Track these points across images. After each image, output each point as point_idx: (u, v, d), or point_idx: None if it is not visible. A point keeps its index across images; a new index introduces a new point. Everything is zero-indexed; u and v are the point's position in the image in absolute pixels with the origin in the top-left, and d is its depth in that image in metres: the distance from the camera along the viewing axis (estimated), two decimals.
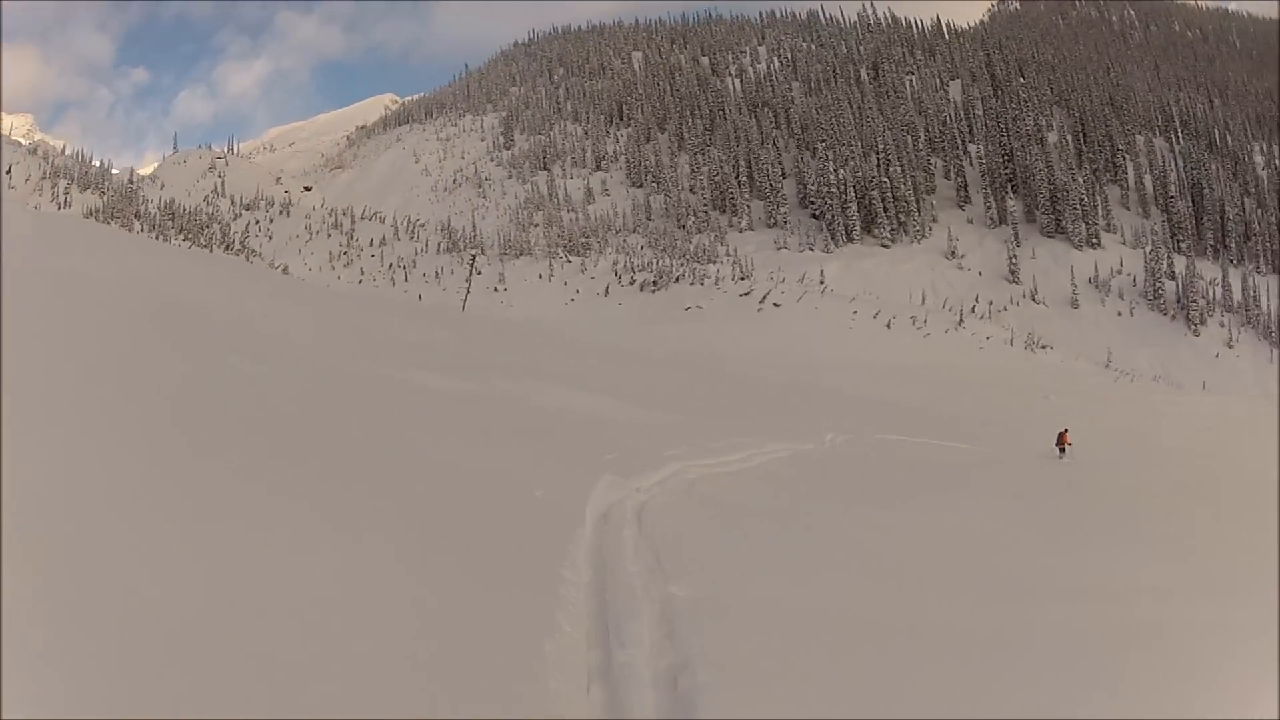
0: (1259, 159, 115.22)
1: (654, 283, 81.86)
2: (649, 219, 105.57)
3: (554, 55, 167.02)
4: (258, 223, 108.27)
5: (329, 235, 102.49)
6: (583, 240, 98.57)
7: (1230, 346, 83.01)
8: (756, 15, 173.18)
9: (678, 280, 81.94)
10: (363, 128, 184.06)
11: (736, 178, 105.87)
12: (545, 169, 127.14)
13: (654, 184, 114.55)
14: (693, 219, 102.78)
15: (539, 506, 8.42)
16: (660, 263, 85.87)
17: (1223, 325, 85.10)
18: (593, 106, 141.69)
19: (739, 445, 15.86)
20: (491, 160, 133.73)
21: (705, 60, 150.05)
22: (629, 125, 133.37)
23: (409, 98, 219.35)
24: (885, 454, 21.33)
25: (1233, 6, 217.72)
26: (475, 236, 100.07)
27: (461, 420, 14.02)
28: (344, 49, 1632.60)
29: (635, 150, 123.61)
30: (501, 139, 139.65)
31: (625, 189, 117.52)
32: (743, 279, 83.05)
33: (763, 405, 30.00)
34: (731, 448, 15.28)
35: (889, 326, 73.22)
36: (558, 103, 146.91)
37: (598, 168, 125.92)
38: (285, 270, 76.12)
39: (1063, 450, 27.81)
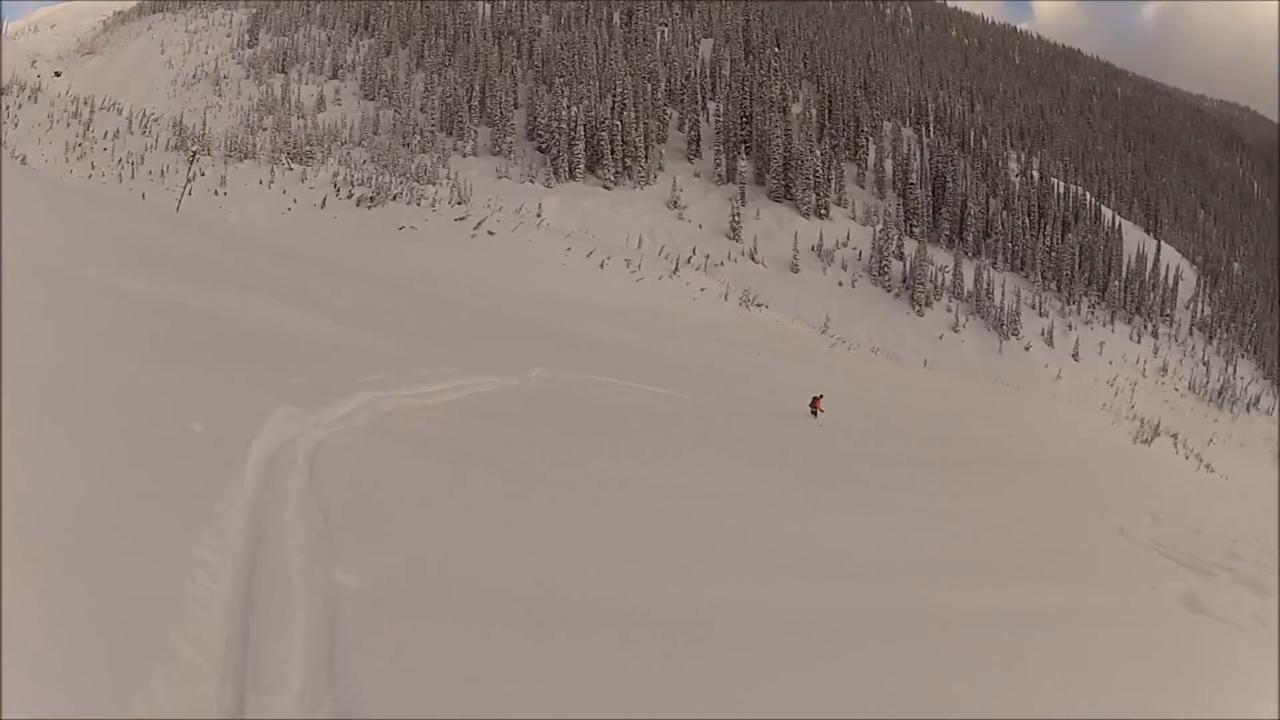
0: (1014, 165, 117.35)
1: (371, 199, 75.91)
2: (376, 133, 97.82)
3: None
4: (7, 108, 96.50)
5: (68, 125, 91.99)
6: (307, 149, 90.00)
7: (956, 331, 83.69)
8: None
9: (395, 198, 76.55)
10: (119, 13, 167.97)
11: (469, 101, 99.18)
12: (283, 72, 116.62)
13: (386, 98, 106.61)
14: (419, 138, 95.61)
15: (193, 445, 6.58)
16: (379, 179, 79.87)
17: (949, 310, 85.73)
18: (340, 13, 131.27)
19: (444, 375, 14.33)
20: (233, 58, 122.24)
21: None
22: (373, 36, 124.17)
23: None
24: (602, 397, 20.48)
25: (1022, 26, 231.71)
26: (204, 135, 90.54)
27: (149, 331, 11.27)
28: None
29: (374, 62, 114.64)
30: (247, 36, 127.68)
31: (358, 100, 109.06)
32: (460, 203, 77.80)
33: (472, 333, 28.60)
34: (436, 377, 13.89)
35: (602, 266, 69.64)
36: (308, 5, 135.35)
37: (334, 75, 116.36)
38: (24, 160, 65.98)
39: (815, 413, 28.97)
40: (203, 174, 77.52)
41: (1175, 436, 68.82)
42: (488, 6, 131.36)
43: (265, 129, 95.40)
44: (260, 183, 78.90)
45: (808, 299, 79.81)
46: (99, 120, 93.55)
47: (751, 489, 12.87)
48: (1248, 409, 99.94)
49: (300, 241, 54.95)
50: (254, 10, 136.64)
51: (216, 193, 76.51)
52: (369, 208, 74.94)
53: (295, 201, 75.01)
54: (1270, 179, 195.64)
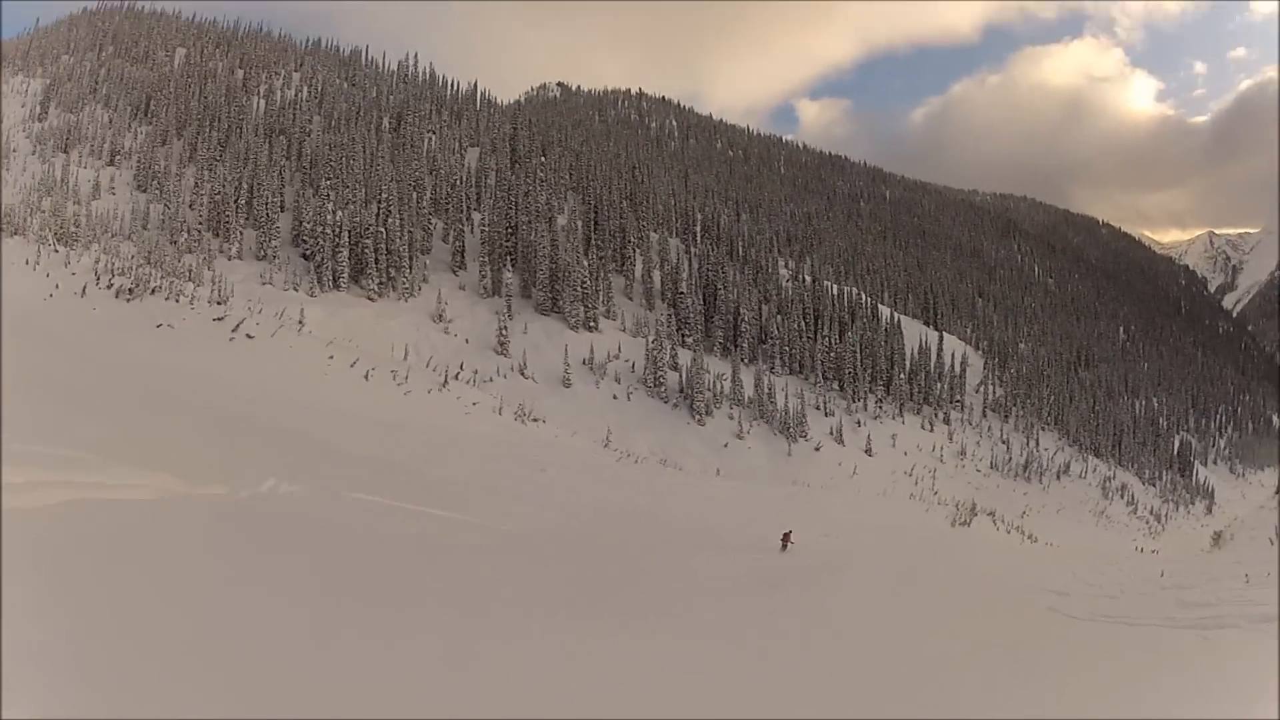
0: (784, 271, 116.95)
1: (130, 290, 68.32)
2: (145, 228, 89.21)
3: (110, 30, 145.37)
4: None
5: None
6: (74, 230, 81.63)
7: (740, 438, 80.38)
8: (303, 40, 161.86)
9: (154, 292, 69.51)
10: None
11: (236, 201, 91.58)
12: (65, 152, 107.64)
13: (158, 191, 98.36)
14: (185, 235, 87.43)
15: None
16: (139, 270, 72.46)
17: (731, 417, 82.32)
18: (125, 95, 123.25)
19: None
20: (23, 131, 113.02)
21: (240, 73, 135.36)
22: (151, 122, 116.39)
23: None
24: (361, 522, 17.33)
25: (789, 137, 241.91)
26: None
27: None
28: None
29: (149, 151, 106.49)
30: (39, 109, 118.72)
31: (130, 191, 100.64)
32: (219, 303, 71.02)
33: (208, 438, 24.65)
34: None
35: (367, 378, 63.48)
36: (96, 82, 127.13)
37: (111, 162, 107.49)
38: None
39: (785, 546, 29.79)
40: None
41: (993, 514, 69.46)
42: (262, 102, 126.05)
43: (43, 211, 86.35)
44: (26, 262, 70.77)
45: (583, 413, 74.79)
46: None
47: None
48: (1058, 477, 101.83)
49: (59, 334, 48.97)
50: (47, 82, 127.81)
51: None
52: (127, 300, 67.45)
53: (58, 287, 66.79)
54: (1050, 260, 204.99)
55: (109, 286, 68.51)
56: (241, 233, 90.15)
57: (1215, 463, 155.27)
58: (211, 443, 23.90)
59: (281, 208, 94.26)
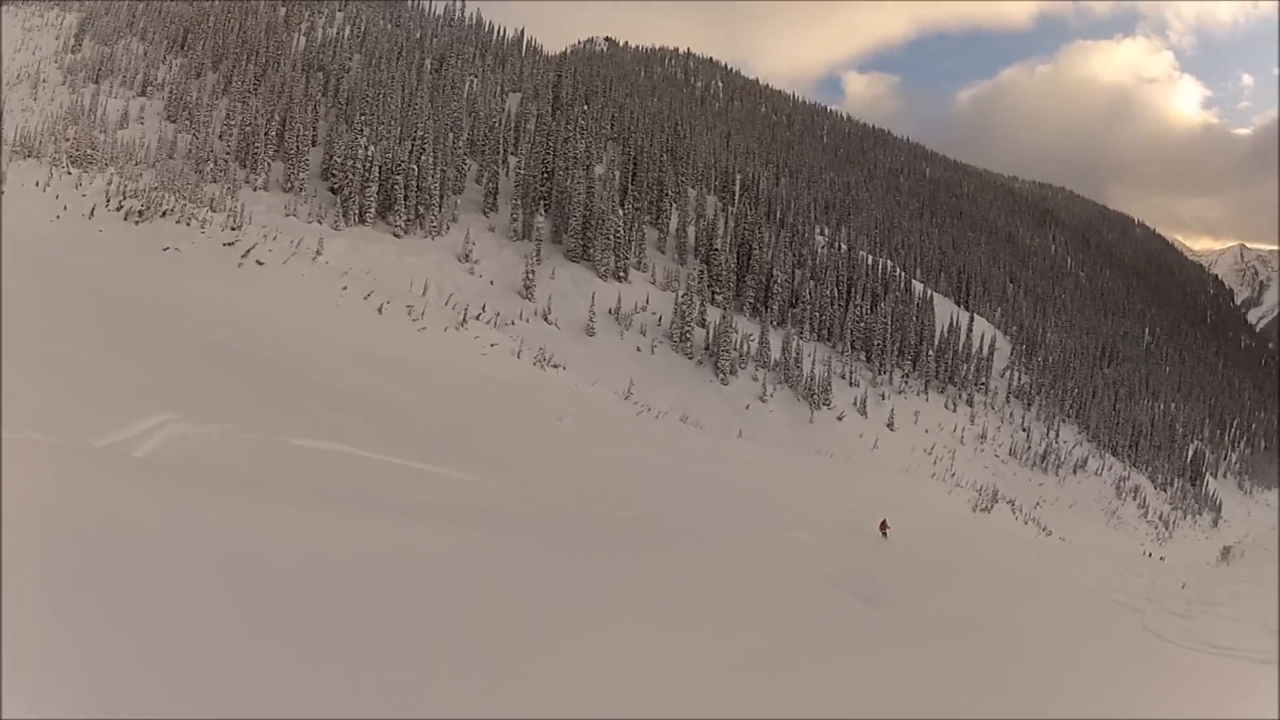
0: (820, 238, 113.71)
1: (140, 213, 65.29)
2: (171, 157, 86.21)
3: None
4: None
5: None
6: (89, 152, 78.17)
7: (764, 400, 77.94)
8: None
9: (164, 215, 66.00)
10: None
11: (266, 133, 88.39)
12: (96, 83, 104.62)
13: (189, 121, 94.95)
14: (212, 165, 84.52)
15: None
16: (151, 194, 68.74)
17: (756, 379, 79.87)
18: (161, 28, 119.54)
19: None
20: (55, 63, 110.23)
21: (283, 10, 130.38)
22: (187, 55, 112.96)
23: None
24: (338, 477, 14.25)
25: (834, 107, 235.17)
26: None
27: None
28: None
29: (183, 83, 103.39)
30: (72, 41, 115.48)
31: (160, 120, 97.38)
32: (233, 229, 67.42)
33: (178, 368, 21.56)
34: None
35: (381, 311, 60.38)
36: (134, 16, 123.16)
37: (143, 92, 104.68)
38: None
39: (884, 534, 29.51)
40: None
41: (1012, 503, 69.11)
42: (303, 39, 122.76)
43: (68, 139, 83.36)
44: (36, 184, 68.01)
45: (605, 363, 71.93)
46: None
47: None
48: (1074, 471, 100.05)
49: (62, 252, 46.48)
50: (83, 15, 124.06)
51: None
52: (136, 223, 64.58)
53: (66, 208, 64.22)
54: (1084, 253, 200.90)
55: (118, 209, 66.02)
56: (270, 164, 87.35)
57: (1225, 476, 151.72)
58: (177, 373, 21.16)
59: (314, 142, 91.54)
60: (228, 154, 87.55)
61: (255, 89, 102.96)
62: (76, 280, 34.67)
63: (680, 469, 38.46)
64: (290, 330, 46.77)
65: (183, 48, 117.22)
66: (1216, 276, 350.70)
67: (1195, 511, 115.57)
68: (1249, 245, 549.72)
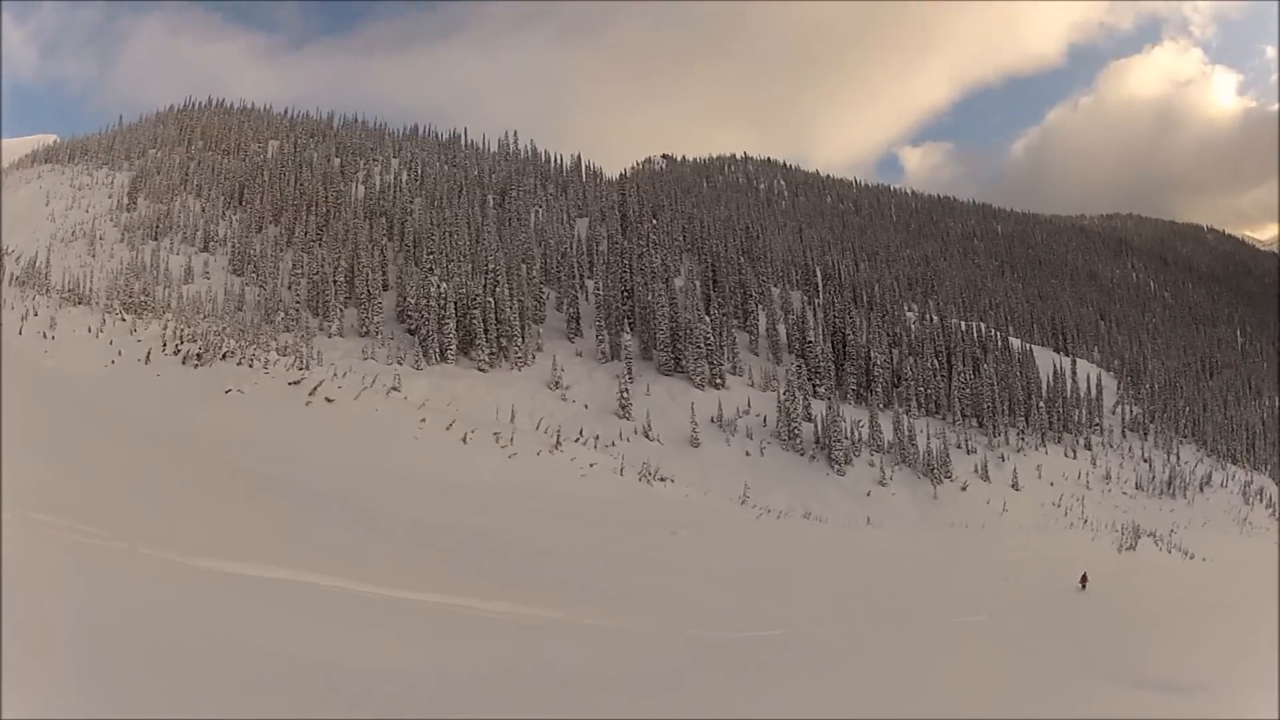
0: (910, 314, 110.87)
1: (199, 356, 62.65)
2: (240, 309, 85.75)
3: (198, 125, 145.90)
4: None
5: None
6: (143, 298, 76.99)
7: (883, 484, 74.42)
8: (400, 128, 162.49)
9: (224, 357, 63.17)
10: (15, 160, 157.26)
11: (335, 279, 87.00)
12: (155, 239, 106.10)
13: (254, 274, 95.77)
14: (283, 315, 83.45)
15: None
16: (210, 336, 66.39)
17: (872, 464, 76.45)
18: (217, 185, 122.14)
19: None
20: (111, 220, 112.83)
21: (337, 161, 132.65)
22: (244, 209, 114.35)
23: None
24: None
25: (896, 185, 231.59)
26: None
27: None
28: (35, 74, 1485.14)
29: (244, 237, 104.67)
30: (126, 199, 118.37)
31: (226, 275, 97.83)
32: (301, 369, 64.37)
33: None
34: None
35: (465, 441, 56.99)
36: (186, 174, 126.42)
37: (205, 248, 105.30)
38: None
39: (1083, 585, 30.42)
40: (35, 313, 65.81)
41: (1153, 535, 68.56)
42: (361, 188, 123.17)
43: (130, 295, 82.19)
44: (89, 330, 66.55)
45: (714, 471, 68.61)
46: None
47: None
48: (1200, 489, 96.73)
49: (121, 400, 44.48)
50: (134, 174, 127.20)
51: (45, 335, 64.12)
52: (195, 366, 62.01)
53: (120, 354, 62.40)
54: (1164, 273, 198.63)
55: (175, 352, 63.37)
56: (342, 311, 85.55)
57: None
58: (228, 506, 19.89)
59: (385, 286, 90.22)
60: (298, 303, 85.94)
61: (319, 238, 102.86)
62: (138, 425, 33.10)
63: (811, 566, 36.08)
64: (363, 465, 43.81)
65: (240, 202, 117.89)
66: None
67: None
68: None
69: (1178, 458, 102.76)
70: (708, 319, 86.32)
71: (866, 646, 18.04)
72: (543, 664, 12.38)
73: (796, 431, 76.13)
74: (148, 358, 61.65)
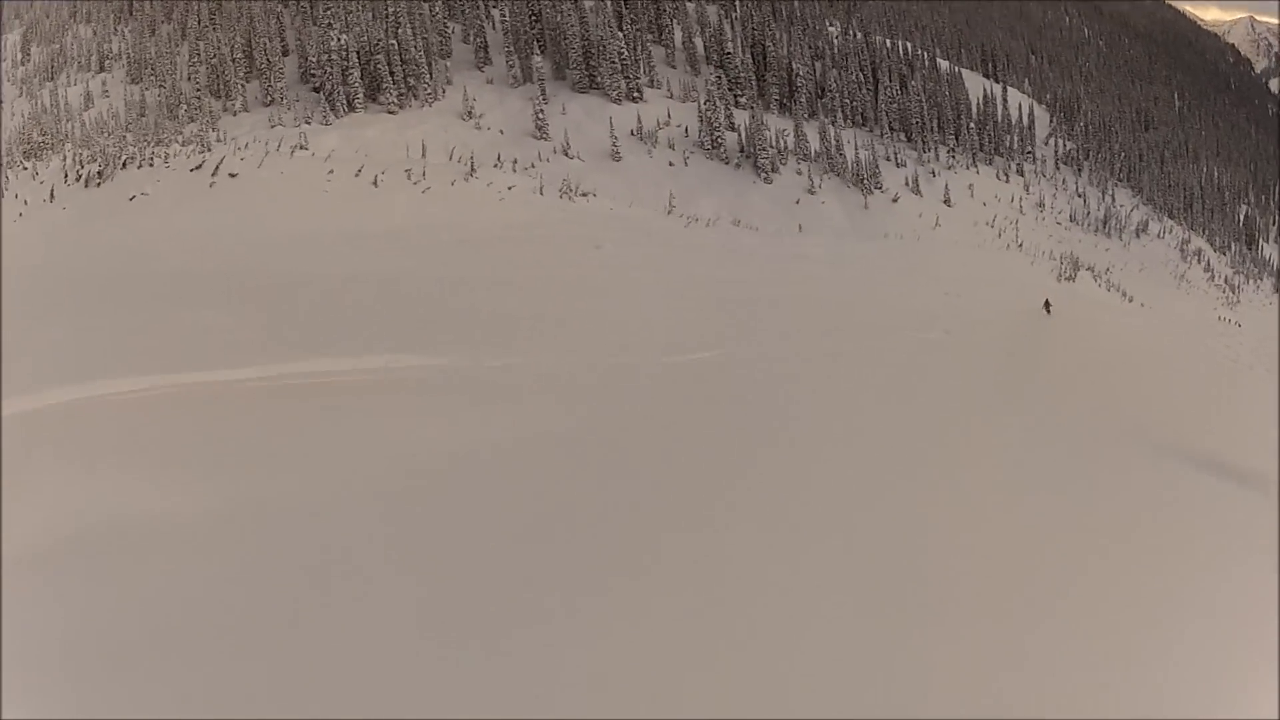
0: (833, 29, 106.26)
1: (99, 174, 60.25)
2: (142, 115, 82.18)
3: None
4: None
5: None
6: (39, 140, 72.24)
7: (813, 193, 72.92)
8: None
9: (124, 166, 60.81)
10: None
11: (233, 58, 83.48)
12: (52, 79, 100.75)
13: (153, 78, 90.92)
14: (185, 108, 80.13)
15: None
16: (108, 150, 63.93)
17: (799, 173, 74.61)
18: (105, 6, 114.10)
19: None
20: (9, 80, 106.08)
21: None
22: (136, 19, 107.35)
23: None
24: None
25: None
26: None
27: None
28: None
29: (138, 45, 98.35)
30: (20, 54, 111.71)
31: (124, 87, 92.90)
32: (204, 151, 62.07)
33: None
34: None
35: (376, 184, 55.25)
36: (74, 7, 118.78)
37: (101, 69, 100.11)
38: None
39: (1048, 311, 29.05)
40: None
41: (1091, 270, 68.46)
42: None
43: (30, 140, 78.40)
44: None
45: (639, 183, 67.36)
46: None
47: None
48: (1137, 234, 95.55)
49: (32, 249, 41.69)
50: (24, 28, 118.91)
51: None
52: (97, 185, 59.65)
53: (26, 203, 59.02)
54: (1099, 22, 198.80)
55: (78, 179, 60.91)
56: (244, 86, 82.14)
57: (1275, 241, 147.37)
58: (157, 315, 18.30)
59: (285, 52, 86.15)
60: (199, 92, 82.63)
61: (214, 23, 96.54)
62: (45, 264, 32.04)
63: (745, 275, 34.81)
64: (268, 235, 42.40)
65: (130, 14, 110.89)
66: (1234, 46, 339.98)
67: (1256, 276, 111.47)
68: (1258, 18, 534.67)
69: (1113, 199, 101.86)
70: (621, 34, 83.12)
71: (817, 367, 15.97)
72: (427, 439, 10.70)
73: (720, 140, 74.14)
74: (51, 195, 59.23)
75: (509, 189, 57.85)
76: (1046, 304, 30.00)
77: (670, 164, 71.64)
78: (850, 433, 10.56)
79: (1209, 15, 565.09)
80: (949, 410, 12.43)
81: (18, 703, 3.93)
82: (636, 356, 15.68)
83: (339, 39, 79.31)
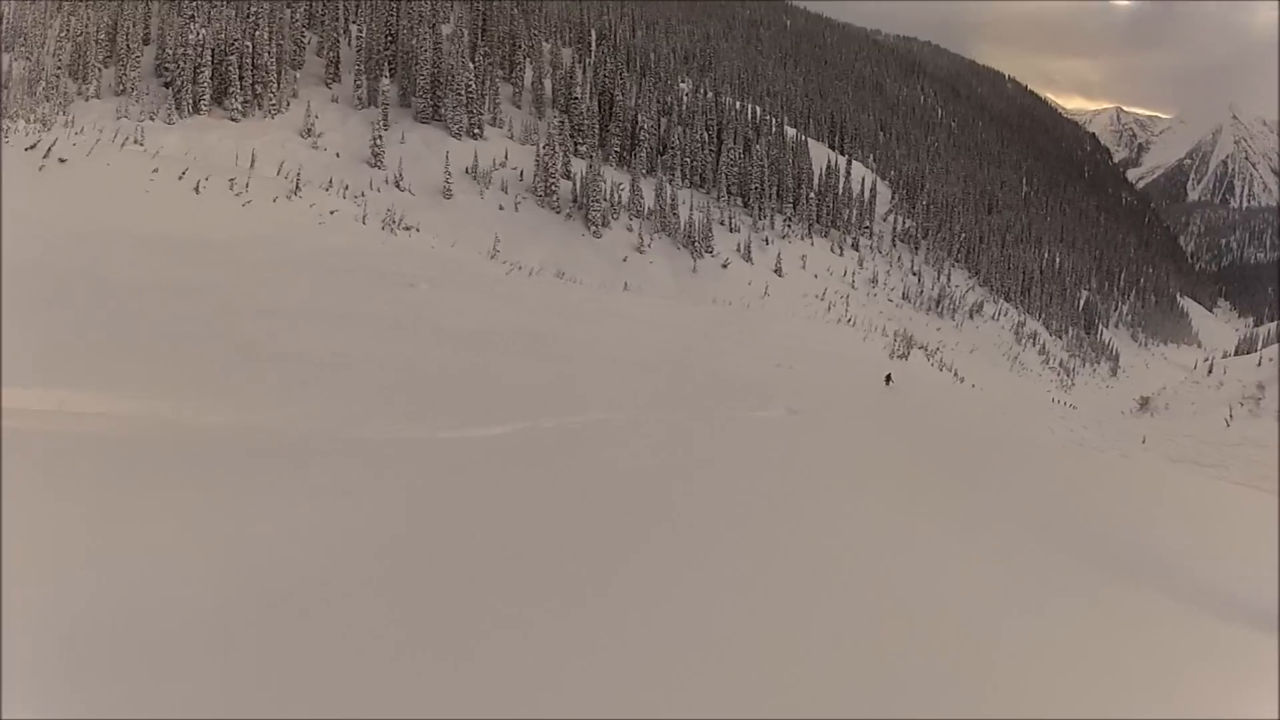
0: (684, 86, 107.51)
1: None
2: (6, 86, 79.16)
3: None
4: None
5: None
6: None
7: (641, 251, 73.26)
8: None
9: None
10: None
11: (96, 39, 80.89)
12: None
13: (24, 47, 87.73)
14: (44, 85, 76.97)
15: None
16: None
17: (630, 229, 75.05)
18: None
19: None
20: None
21: None
22: None
23: None
24: None
25: None
26: None
27: None
28: None
29: (17, 14, 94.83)
30: None
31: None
32: (42, 131, 58.64)
33: None
34: None
35: (198, 190, 52.27)
36: None
37: None
38: None
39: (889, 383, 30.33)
40: None
41: (924, 348, 68.24)
42: None
43: None
44: None
45: (466, 224, 66.38)
46: None
47: None
48: (970, 316, 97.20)
49: None
50: None
51: None
52: None
53: None
54: (954, 104, 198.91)
55: None
56: (101, 71, 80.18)
57: (1117, 326, 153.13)
58: None
59: (146, 40, 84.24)
60: (59, 70, 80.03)
61: None
62: None
63: (566, 331, 31.77)
64: (79, 227, 40.71)
65: None
66: (1093, 134, 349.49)
67: (1093, 360, 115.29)
68: (1126, 109, 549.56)
69: (948, 279, 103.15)
70: (472, 66, 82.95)
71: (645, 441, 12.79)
72: None
73: (554, 188, 74.33)
74: None
75: (331, 213, 56.12)
76: (888, 377, 30.68)
77: (500, 207, 71.78)
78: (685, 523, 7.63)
79: (1072, 104, 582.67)
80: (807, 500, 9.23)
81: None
82: (422, 428, 11.33)
83: (198, 33, 78.37)
